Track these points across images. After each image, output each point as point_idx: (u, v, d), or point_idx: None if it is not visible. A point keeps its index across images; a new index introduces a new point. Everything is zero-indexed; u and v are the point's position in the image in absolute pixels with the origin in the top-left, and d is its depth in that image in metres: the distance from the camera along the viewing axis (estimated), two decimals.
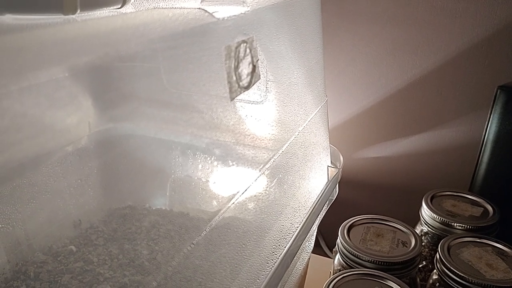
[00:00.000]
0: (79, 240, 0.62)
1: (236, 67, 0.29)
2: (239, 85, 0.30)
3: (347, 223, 0.52)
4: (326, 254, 0.73)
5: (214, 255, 0.36)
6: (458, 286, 0.44)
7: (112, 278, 0.55)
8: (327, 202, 0.49)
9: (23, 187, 0.58)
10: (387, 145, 0.67)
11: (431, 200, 0.56)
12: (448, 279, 0.45)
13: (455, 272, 0.45)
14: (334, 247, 0.57)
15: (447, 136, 0.63)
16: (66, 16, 0.32)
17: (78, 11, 0.32)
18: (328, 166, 0.51)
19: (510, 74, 0.58)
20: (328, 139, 0.51)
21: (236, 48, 0.29)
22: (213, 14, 0.27)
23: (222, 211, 0.33)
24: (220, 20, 0.28)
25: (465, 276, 0.44)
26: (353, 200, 0.71)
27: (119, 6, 0.35)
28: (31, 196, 0.59)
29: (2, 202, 0.56)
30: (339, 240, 0.50)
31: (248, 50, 0.31)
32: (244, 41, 0.30)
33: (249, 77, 0.31)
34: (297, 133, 0.41)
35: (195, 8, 0.27)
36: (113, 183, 0.70)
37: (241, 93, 0.30)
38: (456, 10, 0.59)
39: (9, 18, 0.31)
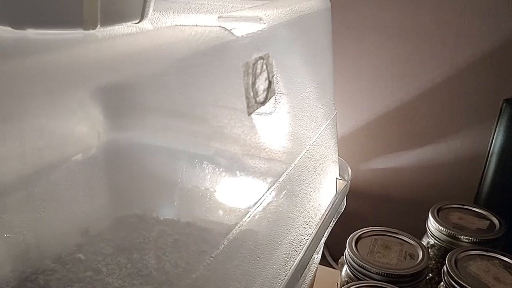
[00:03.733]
0: (87, 248, 0.62)
1: (254, 83, 0.30)
2: (256, 100, 0.31)
3: (355, 235, 0.52)
4: (330, 265, 0.73)
5: (228, 267, 0.36)
6: None
7: None
8: (336, 215, 0.50)
9: (33, 195, 0.58)
10: (392, 156, 0.67)
11: (437, 213, 0.56)
12: None
13: (464, 286, 0.45)
14: (339, 258, 0.57)
15: (452, 149, 0.64)
16: (87, 32, 0.32)
17: (98, 26, 0.32)
18: (336, 178, 0.52)
19: None
20: (337, 151, 0.52)
21: (254, 64, 0.30)
22: (232, 31, 0.28)
23: (239, 224, 0.34)
24: (239, 38, 0.28)
25: None
26: (357, 211, 0.72)
27: (137, 21, 0.36)
28: (40, 205, 0.60)
29: (13, 210, 0.56)
30: (346, 252, 0.51)
31: (264, 66, 0.31)
32: (261, 58, 0.31)
33: (265, 92, 0.32)
34: (308, 146, 0.41)
35: (216, 26, 0.27)
36: (121, 192, 0.70)
37: (258, 108, 0.31)
38: (462, 23, 0.59)
39: (31, 33, 0.32)
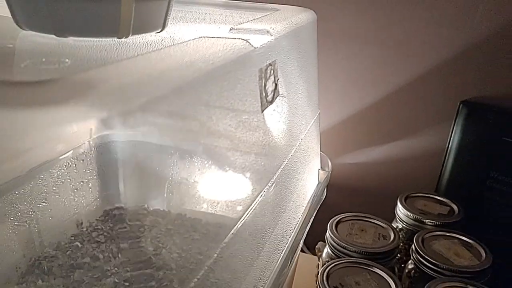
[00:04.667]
0: (82, 237, 0.67)
1: (265, 86, 0.36)
2: (266, 100, 0.37)
3: (335, 220, 0.59)
4: (302, 250, 0.80)
5: (227, 252, 0.41)
6: (432, 272, 0.52)
7: (117, 274, 0.60)
8: (318, 202, 0.56)
9: (36, 188, 0.62)
10: (363, 152, 0.75)
11: (405, 200, 0.64)
12: (423, 267, 0.53)
13: (429, 261, 0.52)
14: (314, 245, 0.64)
15: (417, 145, 0.72)
16: (119, 39, 0.37)
17: (130, 34, 0.37)
18: (319, 169, 0.58)
19: (471, 91, 0.67)
20: (319, 146, 0.58)
21: (265, 70, 0.36)
22: (251, 43, 0.34)
23: (244, 216, 0.39)
24: (256, 49, 0.34)
25: (438, 263, 0.52)
26: (331, 201, 0.79)
27: (159, 30, 0.41)
28: (43, 197, 0.64)
29: (20, 201, 0.60)
30: (328, 234, 0.57)
31: (272, 71, 0.37)
32: (270, 64, 0.37)
33: (272, 93, 0.38)
34: (300, 140, 0.48)
35: (239, 39, 0.33)
36: (113, 185, 0.75)
37: (268, 106, 0.37)
38: (426, 33, 0.67)
39: (71, 40, 0.37)
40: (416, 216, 0.60)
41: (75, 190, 0.70)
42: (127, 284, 0.57)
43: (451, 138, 0.69)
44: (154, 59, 0.27)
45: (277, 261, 0.49)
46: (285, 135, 0.43)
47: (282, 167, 0.44)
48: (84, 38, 0.36)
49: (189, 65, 0.26)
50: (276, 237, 0.50)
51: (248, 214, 0.43)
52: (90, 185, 0.72)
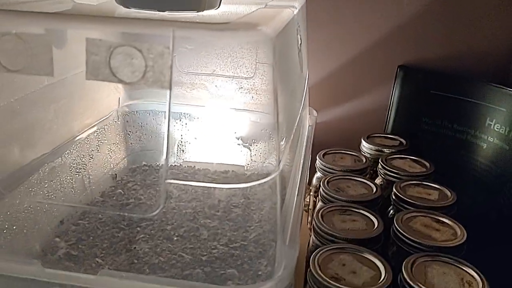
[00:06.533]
0: (120, 187, 0.82)
1: (298, 40, 0.55)
2: (299, 49, 0.55)
3: (321, 153, 0.79)
4: None
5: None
6: (395, 179, 0.74)
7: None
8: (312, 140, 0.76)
9: (84, 145, 0.77)
10: (329, 110, 0.96)
11: (367, 138, 0.86)
12: (389, 177, 0.75)
13: (392, 171, 0.74)
14: None
15: (368, 100, 0.94)
16: (198, 12, 0.54)
17: (205, 9, 0.55)
18: (309, 115, 0.78)
19: (406, 57, 0.90)
20: (308, 96, 0.78)
21: (297, 29, 0.55)
22: (293, 11, 0.53)
23: (278, 169, 0.53)
24: (295, 14, 0.53)
25: (398, 172, 0.74)
26: None
27: (217, 7, 0.58)
28: (90, 153, 0.78)
29: (76, 155, 0.74)
30: (318, 161, 0.77)
31: (299, 31, 0.56)
32: (298, 26, 0.56)
33: (300, 46, 0.57)
34: (305, 90, 0.67)
35: (288, 8, 0.51)
36: (135, 146, 0.90)
37: (298, 54, 0.56)
38: (374, 12, 0.89)
39: (166, 13, 0.53)
40: (377, 148, 0.82)
41: (108, 151, 0.85)
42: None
43: (393, 95, 0.92)
44: (260, 14, 0.45)
45: (295, 195, 0.65)
46: (302, 84, 0.62)
47: (300, 112, 0.63)
48: (175, 12, 0.53)
49: (281, 18, 0.44)
50: (295, 166, 0.67)
51: (282, 161, 0.57)
52: (119, 147, 0.87)
